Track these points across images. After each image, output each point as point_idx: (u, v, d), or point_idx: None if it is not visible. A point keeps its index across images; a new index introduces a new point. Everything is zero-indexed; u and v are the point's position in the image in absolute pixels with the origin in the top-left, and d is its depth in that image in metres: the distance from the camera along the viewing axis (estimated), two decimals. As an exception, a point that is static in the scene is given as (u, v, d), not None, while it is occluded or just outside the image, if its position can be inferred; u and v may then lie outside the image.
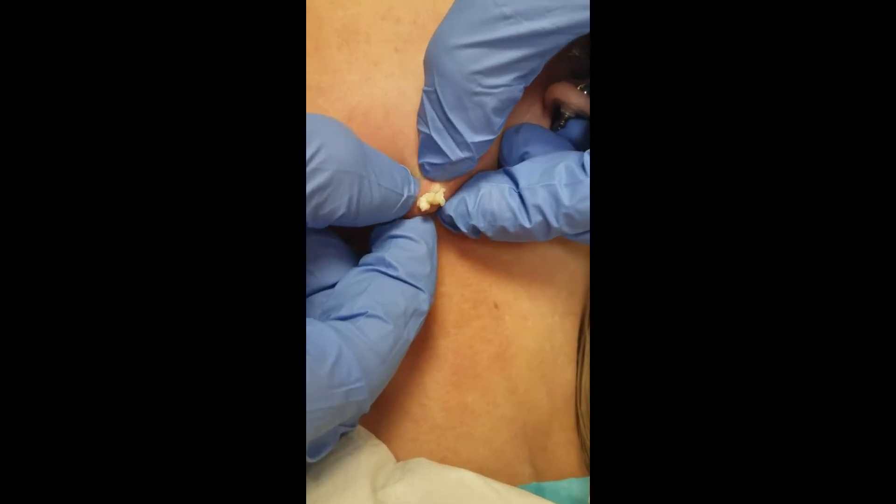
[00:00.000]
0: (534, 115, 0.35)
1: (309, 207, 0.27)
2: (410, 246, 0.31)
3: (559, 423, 0.36)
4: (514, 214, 0.30)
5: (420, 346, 0.34)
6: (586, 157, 0.29)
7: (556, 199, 0.29)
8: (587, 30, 0.27)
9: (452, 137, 0.29)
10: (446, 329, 0.34)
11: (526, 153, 0.32)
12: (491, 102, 0.28)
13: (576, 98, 0.33)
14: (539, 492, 0.34)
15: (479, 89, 0.27)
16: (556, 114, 0.35)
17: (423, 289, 0.30)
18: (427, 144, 0.30)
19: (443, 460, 0.33)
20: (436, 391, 0.34)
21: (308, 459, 0.28)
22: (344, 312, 0.28)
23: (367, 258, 0.31)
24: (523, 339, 0.34)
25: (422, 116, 0.30)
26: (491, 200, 0.30)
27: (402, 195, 0.30)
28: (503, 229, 0.30)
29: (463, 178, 0.32)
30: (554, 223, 0.29)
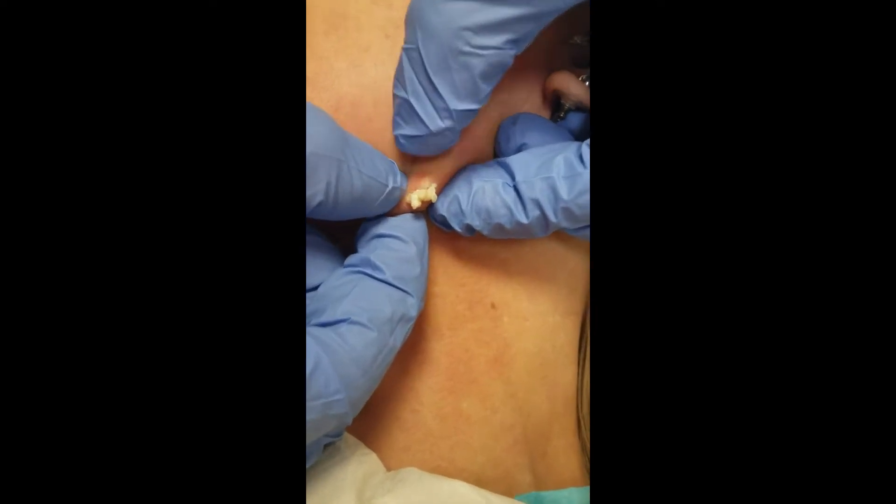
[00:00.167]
0: (532, 106, 0.34)
1: None
2: (398, 246, 0.29)
3: (560, 428, 0.35)
4: (511, 210, 0.29)
5: (412, 349, 0.33)
6: (585, 148, 0.28)
7: (555, 193, 0.28)
8: None
9: (433, 103, 0.27)
10: (440, 331, 0.33)
11: (523, 144, 0.31)
12: (479, 65, 0.26)
13: (577, 88, 0.32)
14: (539, 502, 0.33)
15: (466, 48, 0.25)
16: (555, 105, 0.34)
17: (412, 293, 0.29)
18: (404, 112, 0.28)
19: (436, 470, 0.32)
20: (429, 397, 0.33)
21: None
22: (324, 318, 0.27)
23: (351, 259, 0.30)
24: (522, 341, 0.33)
25: (399, 79, 0.28)
26: (485, 197, 0.29)
27: (387, 185, 0.29)
28: (499, 226, 0.29)
29: (452, 170, 0.31)
30: (552, 218, 0.28)
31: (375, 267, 0.28)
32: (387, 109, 0.30)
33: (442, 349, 0.33)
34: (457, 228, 0.30)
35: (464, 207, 0.30)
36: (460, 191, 0.30)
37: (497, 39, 0.25)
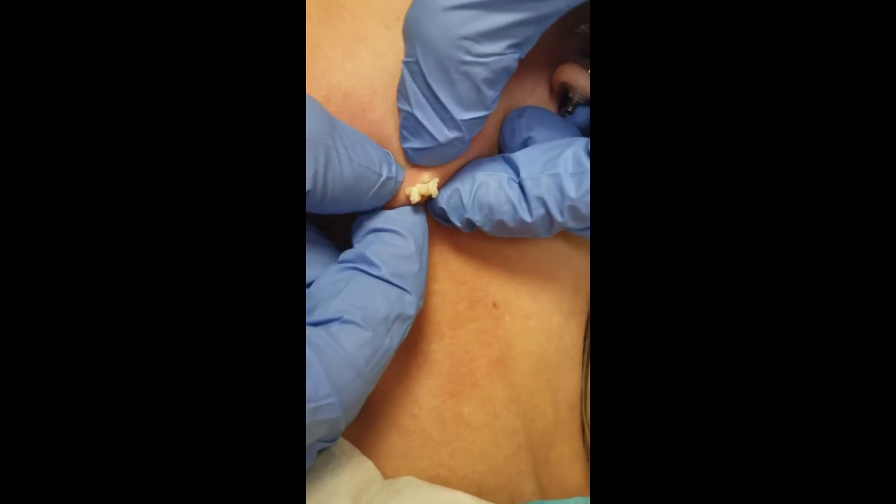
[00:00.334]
0: (539, 99, 0.33)
1: None
2: (396, 241, 0.28)
3: (564, 433, 0.34)
4: (514, 207, 0.28)
5: (411, 350, 0.32)
6: None
7: (561, 191, 0.27)
8: None
9: (438, 115, 0.27)
10: (440, 331, 0.32)
11: (529, 138, 0.30)
12: (482, 73, 0.26)
13: (585, 81, 0.31)
14: (542, 511, 0.32)
15: (467, 58, 0.25)
16: (563, 99, 0.33)
17: (410, 290, 0.28)
18: (410, 125, 0.28)
19: (436, 478, 0.32)
20: (428, 401, 0.32)
21: None
22: (315, 317, 0.26)
23: (346, 254, 0.29)
24: (525, 342, 0.33)
25: (402, 92, 0.27)
26: (488, 191, 0.28)
27: (381, 175, 0.28)
28: (501, 223, 0.29)
29: (456, 165, 0.30)
30: (558, 217, 0.27)
31: (371, 263, 0.28)
32: (383, 100, 0.29)
33: (442, 350, 0.32)
34: (456, 223, 0.30)
35: (465, 201, 0.29)
36: (462, 183, 0.29)
37: (499, 46, 0.25)
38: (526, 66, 0.31)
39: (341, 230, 0.31)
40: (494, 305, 0.32)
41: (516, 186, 0.28)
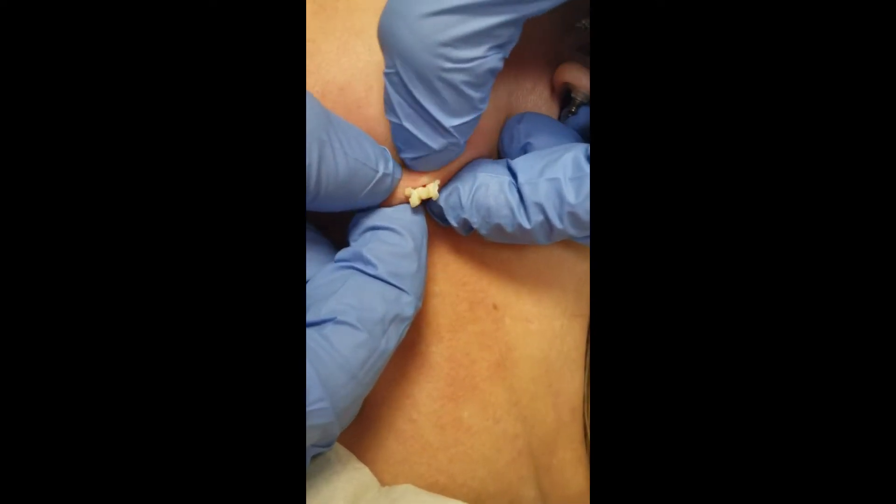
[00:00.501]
0: (540, 96, 0.33)
1: None
2: (394, 239, 0.28)
3: (566, 438, 0.34)
4: (513, 212, 0.27)
5: (409, 353, 0.32)
6: None
7: (560, 196, 0.26)
8: None
9: (428, 124, 0.26)
10: (439, 334, 0.32)
11: (528, 144, 0.30)
12: (465, 78, 0.25)
13: (587, 81, 0.31)
14: (544, 518, 0.32)
15: (448, 65, 0.24)
16: (566, 99, 0.33)
17: (408, 290, 0.27)
18: (401, 136, 0.27)
19: (434, 485, 0.31)
20: (428, 405, 0.31)
21: None
22: (309, 318, 0.26)
23: (342, 253, 0.28)
24: (526, 345, 0.32)
25: (388, 105, 0.27)
26: (488, 193, 0.28)
27: (377, 171, 0.27)
28: (498, 228, 0.28)
29: (457, 165, 0.30)
30: (557, 224, 0.27)
31: (367, 262, 0.27)
32: (379, 96, 0.29)
33: (441, 353, 0.31)
34: (453, 223, 0.29)
35: (463, 201, 0.28)
36: (463, 183, 0.29)
37: (479, 49, 0.24)
38: (525, 63, 0.32)
39: (339, 228, 0.31)
40: (495, 307, 0.32)
41: (517, 191, 0.28)
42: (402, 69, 0.25)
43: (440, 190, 0.29)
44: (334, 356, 0.24)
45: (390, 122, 0.27)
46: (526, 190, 0.27)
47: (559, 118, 0.33)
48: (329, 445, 0.28)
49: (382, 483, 0.31)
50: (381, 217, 0.28)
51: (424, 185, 0.29)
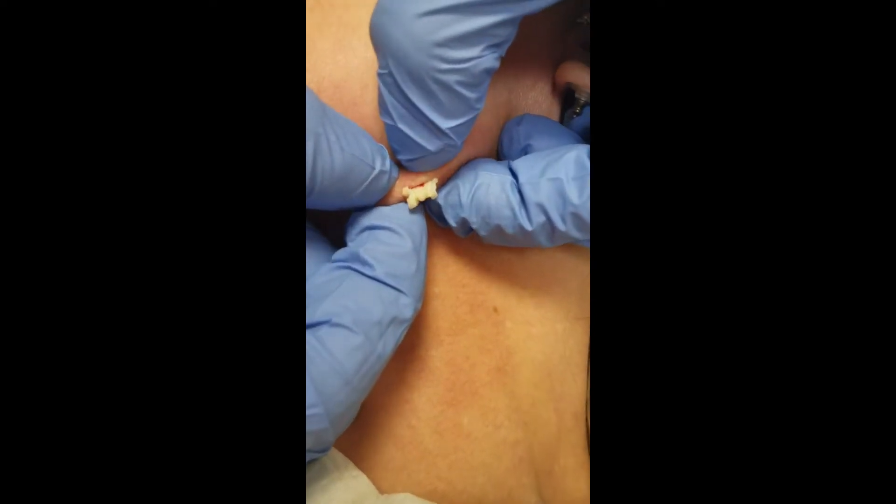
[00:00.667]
0: (540, 93, 0.33)
1: None
2: (392, 239, 0.27)
3: (568, 444, 0.33)
4: (514, 213, 0.27)
5: (408, 356, 0.31)
6: None
7: (563, 196, 0.26)
8: None
9: (424, 126, 0.26)
10: (439, 337, 0.31)
11: (528, 146, 0.30)
12: (460, 79, 0.24)
13: (589, 80, 0.31)
14: (546, 526, 0.32)
15: (443, 66, 0.24)
16: (569, 99, 0.32)
17: (406, 292, 0.27)
18: (397, 138, 0.27)
19: (433, 492, 0.31)
20: (426, 410, 0.31)
21: None
22: None
23: (339, 253, 0.28)
24: (528, 349, 0.32)
25: (382, 106, 0.26)
26: (488, 192, 0.27)
27: (373, 168, 0.27)
28: (499, 229, 0.27)
29: (456, 165, 0.29)
30: (560, 225, 0.26)
31: (364, 262, 0.26)
32: (375, 94, 0.28)
33: (441, 357, 0.31)
34: (451, 223, 0.29)
35: (463, 199, 0.28)
36: (463, 180, 0.28)
37: (475, 49, 0.24)
38: (525, 60, 0.31)
39: (338, 227, 0.30)
40: (495, 310, 0.31)
41: (517, 192, 0.27)
42: (396, 70, 0.24)
43: (439, 188, 0.29)
44: (329, 360, 0.24)
45: (385, 123, 0.27)
46: (527, 190, 0.27)
47: (563, 119, 0.33)
48: (324, 451, 0.27)
49: (380, 490, 0.30)
50: (378, 216, 0.28)
51: (422, 185, 0.28)
